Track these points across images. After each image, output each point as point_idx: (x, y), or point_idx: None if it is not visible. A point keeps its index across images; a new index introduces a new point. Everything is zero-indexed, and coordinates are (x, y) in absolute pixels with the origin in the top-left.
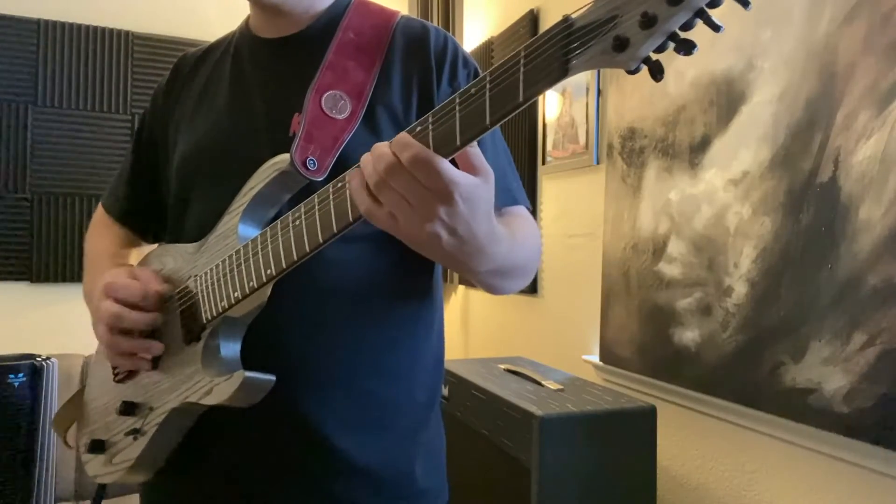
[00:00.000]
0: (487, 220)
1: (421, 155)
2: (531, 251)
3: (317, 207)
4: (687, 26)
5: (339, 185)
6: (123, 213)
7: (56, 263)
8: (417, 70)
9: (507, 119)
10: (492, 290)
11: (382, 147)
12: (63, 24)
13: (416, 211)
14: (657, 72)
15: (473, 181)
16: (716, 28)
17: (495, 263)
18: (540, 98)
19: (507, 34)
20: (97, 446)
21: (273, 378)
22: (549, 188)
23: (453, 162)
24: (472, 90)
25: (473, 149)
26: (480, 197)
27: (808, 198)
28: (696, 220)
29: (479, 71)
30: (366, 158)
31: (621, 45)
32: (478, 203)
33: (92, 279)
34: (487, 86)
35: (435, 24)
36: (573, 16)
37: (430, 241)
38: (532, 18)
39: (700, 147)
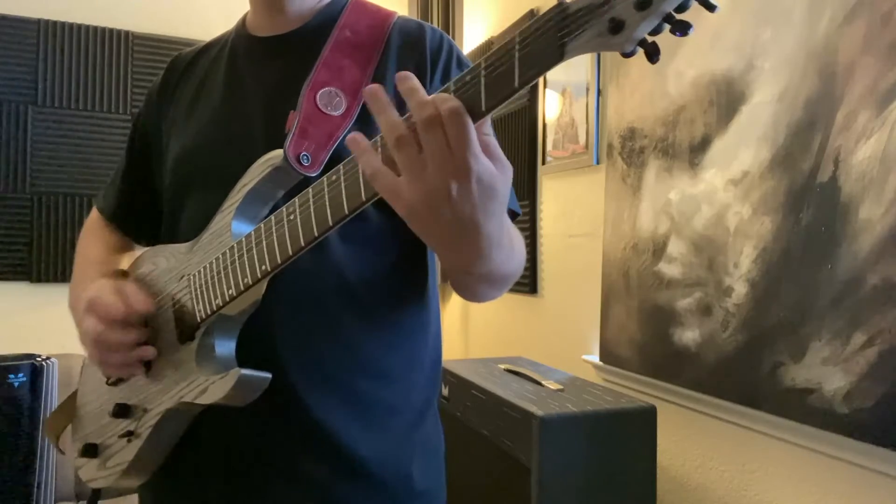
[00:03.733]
0: (498, 219)
1: (460, 109)
2: (520, 262)
3: (311, 201)
4: (682, 7)
5: (334, 177)
6: (116, 213)
7: (56, 263)
8: (412, 67)
9: (503, 105)
10: (474, 295)
11: (423, 96)
12: (63, 24)
13: (428, 175)
14: (653, 54)
15: (493, 167)
16: (710, 8)
17: (488, 268)
18: (540, 98)
19: (507, 34)
20: (90, 450)
21: (269, 376)
22: (549, 188)
23: None
24: (468, 77)
25: (490, 138)
26: (496, 187)
27: (808, 198)
28: (696, 220)
29: None
30: (389, 118)
31: (616, 27)
32: (492, 192)
33: (77, 288)
34: (482, 72)
35: (434, 23)
36: (568, 0)
37: (431, 216)
38: (532, 18)
39: (700, 147)
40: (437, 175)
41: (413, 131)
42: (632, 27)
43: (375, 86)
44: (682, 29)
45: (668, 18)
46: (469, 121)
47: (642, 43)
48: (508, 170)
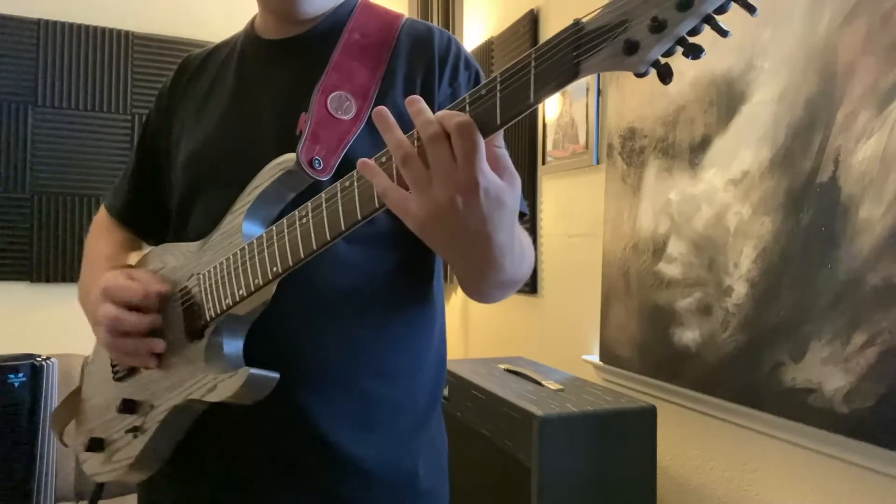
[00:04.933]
0: (508, 230)
1: (470, 123)
2: (530, 264)
3: (324, 206)
4: (695, 31)
5: (347, 183)
6: (125, 213)
7: (56, 263)
8: (421, 70)
9: (516, 120)
10: (484, 297)
11: (428, 115)
12: (63, 24)
13: (434, 190)
14: (666, 75)
15: (500, 180)
16: (723, 33)
17: (501, 276)
18: None
19: (507, 34)
20: (96, 444)
21: (277, 375)
22: (549, 188)
23: None
24: (483, 91)
25: (501, 150)
26: (504, 199)
27: (808, 198)
28: (696, 220)
29: (481, 73)
30: (396, 137)
31: (631, 48)
32: (501, 205)
33: (88, 281)
34: (498, 87)
35: (434, 24)
36: (583, 19)
37: (440, 229)
38: (532, 19)
39: (700, 147)
40: (443, 190)
41: (419, 148)
42: (646, 49)
43: (381, 108)
44: (694, 52)
45: (682, 41)
46: (479, 135)
47: (655, 64)
48: (517, 181)
